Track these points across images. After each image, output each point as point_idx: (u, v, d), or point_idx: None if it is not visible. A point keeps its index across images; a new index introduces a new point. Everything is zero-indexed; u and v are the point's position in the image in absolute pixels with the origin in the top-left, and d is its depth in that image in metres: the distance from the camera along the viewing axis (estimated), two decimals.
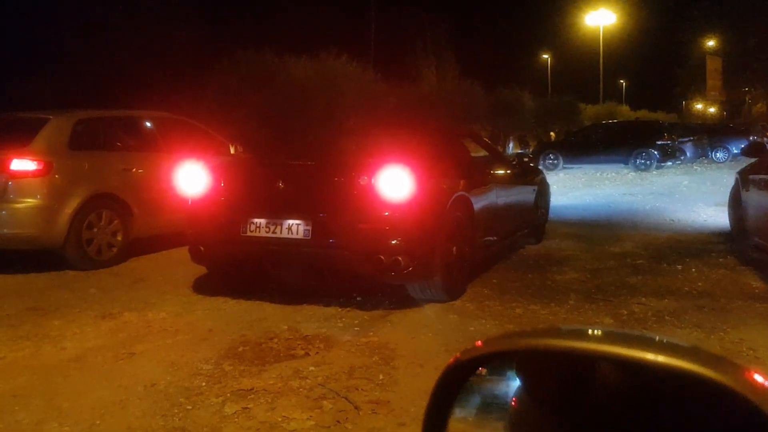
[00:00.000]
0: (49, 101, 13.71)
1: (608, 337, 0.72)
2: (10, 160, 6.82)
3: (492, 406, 0.90)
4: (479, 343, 0.77)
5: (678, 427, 0.70)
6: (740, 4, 39.96)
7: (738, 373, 0.61)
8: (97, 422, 3.41)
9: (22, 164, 6.85)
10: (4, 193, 6.80)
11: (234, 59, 21.48)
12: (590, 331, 0.77)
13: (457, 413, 0.85)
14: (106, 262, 7.27)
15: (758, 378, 0.60)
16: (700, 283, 6.08)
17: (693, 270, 6.58)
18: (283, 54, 22.78)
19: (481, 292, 5.90)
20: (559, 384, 0.82)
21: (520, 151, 27.77)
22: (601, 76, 48.95)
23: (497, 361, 0.83)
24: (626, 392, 0.74)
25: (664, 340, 0.72)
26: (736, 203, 7.92)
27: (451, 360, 0.79)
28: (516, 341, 0.77)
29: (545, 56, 64.41)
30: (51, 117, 7.39)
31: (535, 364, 0.82)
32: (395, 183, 5.14)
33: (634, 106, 55.83)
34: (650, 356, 0.64)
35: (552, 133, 39.57)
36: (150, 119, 8.61)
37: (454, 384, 0.79)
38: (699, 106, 55.99)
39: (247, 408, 3.53)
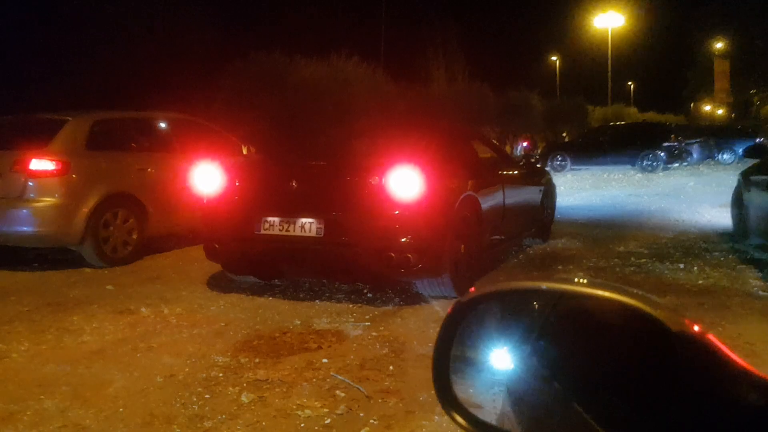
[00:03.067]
0: (65, 103, 13.90)
1: (568, 281, 0.88)
2: (30, 160, 6.99)
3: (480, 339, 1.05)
4: (473, 289, 0.92)
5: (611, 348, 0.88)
6: (748, 7, 39.92)
7: (662, 308, 0.77)
8: (120, 410, 3.56)
9: (41, 164, 7.02)
10: (23, 192, 6.98)
11: (246, 61, 21.62)
12: (558, 279, 0.95)
13: (458, 347, 0.99)
14: (122, 260, 7.44)
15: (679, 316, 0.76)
16: (700, 281, 6.21)
17: (695, 268, 6.71)
18: (294, 55, 22.91)
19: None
20: (532, 315, 1.00)
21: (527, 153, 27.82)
22: (609, 78, 48.99)
23: (486, 302, 0.98)
24: (575, 320, 0.93)
25: (616, 285, 0.87)
26: (738, 203, 8.05)
27: (452, 305, 0.94)
28: (499, 286, 0.93)
29: (554, 58, 64.40)
30: (69, 118, 7.56)
31: (514, 302, 1.00)
32: (405, 183, 5.27)
33: (642, 108, 55.72)
34: (600, 292, 0.80)
35: (564, 134, 39.60)
36: (165, 120, 8.78)
37: (454, 323, 0.94)
38: (707, 108, 55.92)
39: (263, 397, 3.69)
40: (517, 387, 1.05)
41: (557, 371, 0.99)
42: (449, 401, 0.95)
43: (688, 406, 0.71)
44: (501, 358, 1.10)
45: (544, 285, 0.92)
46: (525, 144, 32.32)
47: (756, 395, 0.67)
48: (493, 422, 0.95)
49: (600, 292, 0.81)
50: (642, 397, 0.80)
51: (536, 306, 1.13)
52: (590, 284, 0.83)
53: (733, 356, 0.70)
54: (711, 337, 0.71)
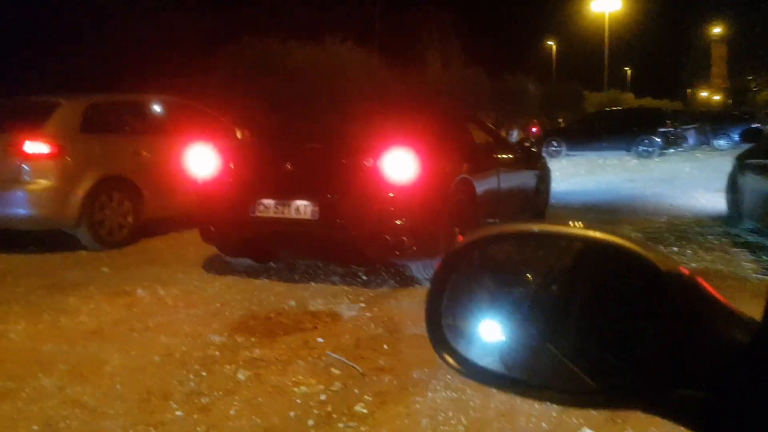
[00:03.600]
0: (57, 86, 13.87)
1: (561, 224, 0.91)
2: (23, 142, 6.99)
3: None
4: (460, 237, 0.94)
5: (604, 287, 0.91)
6: None
7: (654, 249, 0.80)
8: (117, 387, 3.60)
9: (35, 147, 7.02)
10: (18, 174, 6.98)
11: (240, 45, 21.59)
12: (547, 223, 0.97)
13: (449, 317, 1.02)
14: (118, 243, 7.46)
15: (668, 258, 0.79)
16: (694, 264, 6.25)
17: (688, 251, 6.75)
18: (288, 40, 22.87)
19: None
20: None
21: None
22: (605, 64, 48.95)
23: (478, 247, 1.00)
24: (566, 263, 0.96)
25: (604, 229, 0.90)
26: (733, 187, 8.08)
27: (443, 254, 0.97)
28: (489, 230, 0.95)
29: (550, 43, 64.24)
30: (62, 101, 7.56)
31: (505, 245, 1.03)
32: (400, 165, 5.30)
33: (638, 94, 55.72)
34: (593, 234, 0.83)
35: (560, 120, 39.60)
36: (159, 103, 8.77)
37: (445, 273, 0.96)
38: (704, 94, 55.95)
39: (259, 374, 3.73)
40: (509, 356, 1.07)
41: (551, 333, 1.02)
42: (440, 343, 0.97)
43: (678, 347, 0.74)
44: (492, 330, 1.12)
45: (536, 228, 0.95)
46: (534, 129, 32.29)
47: (742, 334, 0.70)
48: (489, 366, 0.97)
49: (593, 234, 0.83)
50: (631, 343, 0.83)
51: (529, 277, 1.15)
52: (584, 227, 0.86)
53: (721, 297, 0.73)
54: (700, 279, 0.74)
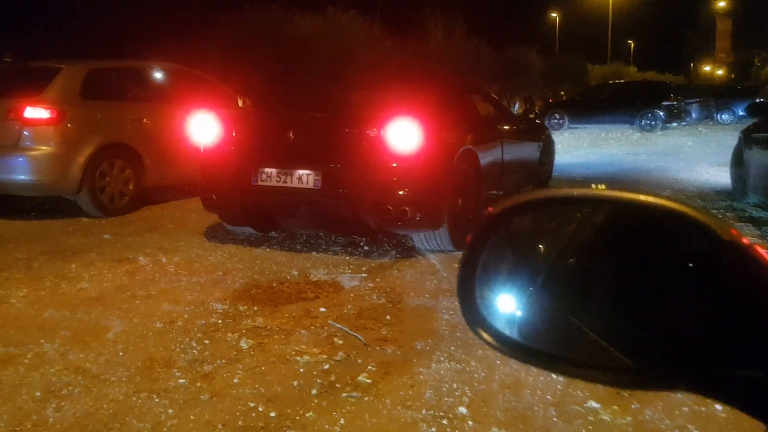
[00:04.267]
0: (58, 51, 13.77)
1: (598, 189, 0.86)
2: (24, 108, 6.94)
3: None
4: (489, 209, 0.90)
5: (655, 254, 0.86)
6: None
7: (710, 214, 0.75)
8: (120, 354, 3.59)
9: (36, 112, 6.97)
10: (18, 140, 6.94)
11: (242, 13, 21.41)
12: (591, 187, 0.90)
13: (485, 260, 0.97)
14: (119, 211, 7.44)
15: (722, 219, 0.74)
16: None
17: None
18: (290, 8, 22.69)
19: None
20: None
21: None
22: (609, 36, 48.64)
23: (520, 212, 0.96)
24: (613, 228, 0.91)
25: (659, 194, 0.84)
26: (738, 162, 8.04)
27: (483, 214, 0.92)
28: (522, 197, 0.90)
29: (554, 15, 63.74)
30: (63, 66, 7.49)
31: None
32: (404, 135, 5.25)
33: (641, 67, 55.49)
34: (642, 198, 0.78)
35: (562, 92, 39.41)
36: (161, 71, 8.70)
37: (477, 244, 0.92)
38: (707, 68, 55.59)
39: (261, 343, 3.72)
40: (525, 329, 1.04)
41: (573, 306, 0.97)
42: (474, 319, 0.93)
43: (737, 324, 0.69)
44: (508, 301, 1.08)
45: (575, 192, 0.89)
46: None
47: None
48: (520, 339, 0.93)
49: (642, 198, 0.78)
50: (679, 319, 0.79)
51: (542, 249, 1.09)
52: (629, 191, 0.81)
53: None
54: (760, 248, 0.69)
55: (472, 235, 0.92)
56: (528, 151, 7.94)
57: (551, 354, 0.89)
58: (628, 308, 0.87)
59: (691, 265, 0.79)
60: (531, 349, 0.91)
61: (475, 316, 0.94)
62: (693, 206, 0.73)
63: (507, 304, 1.09)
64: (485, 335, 0.92)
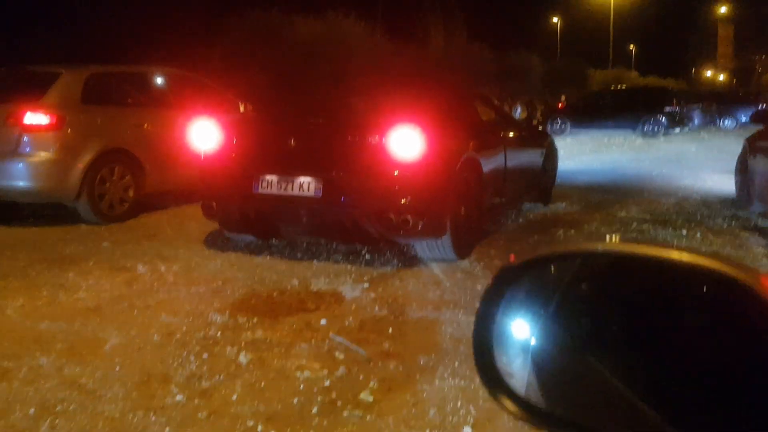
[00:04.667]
0: (59, 56, 13.72)
1: (633, 242, 0.81)
2: (24, 113, 6.87)
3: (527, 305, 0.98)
4: (512, 257, 0.85)
5: (691, 318, 0.79)
6: None
7: (752, 271, 0.68)
8: (117, 368, 3.52)
9: (35, 118, 6.91)
10: (17, 146, 6.88)
11: (242, 17, 21.39)
12: (623, 240, 0.86)
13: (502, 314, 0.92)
14: (118, 217, 7.36)
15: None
16: (704, 248, 6.15)
17: (698, 235, 6.65)
18: (290, 13, 22.68)
19: (488, 252, 5.98)
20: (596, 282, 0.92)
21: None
22: (610, 41, 48.61)
23: (536, 267, 0.91)
24: (648, 290, 0.84)
25: (684, 246, 0.79)
26: (743, 169, 7.97)
27: (496, 271, 0.87)
28: (553, 249, 0.85)
29: (555, 19, 63.70)
30: (63, 71, 7.43)
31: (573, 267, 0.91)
32: (406, 142, 5.18)
33: (643, 72, 55.36)
34: (675, 255, 0.72)
35: (563, 97, 39.37)
36: (161, 75, 8.64)
37: (498, 292, 0.87)
38: (708, 74, 55.59)
39: (261, 357, 3.64)
40: (540, 357, 0.98)
41: (589, 342, 0.91)
42: (495, 384, 0.87)
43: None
44: (522, 327, 1.02)
45: (600, 247, 0.83)
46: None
47: None
48: (542, 405, 0.87)
49: (682, 257, 0.71)
50: (725, 380, 0.72)
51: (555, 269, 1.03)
52: (663, 246, 0.74)
53: None
54: None
55: (488, 287, 0.86)
56: (531, 157, 7.86)
57: (581, 426, 0.82)
58: (662, 361, 0.81)
59: (717, 319, 0.73)
60: (558, 418, 0.85)
61: (495, 379, 0.87)
62: (721, 259, 0.67)
63: (517, 329, 1.02)
64: (508, 404, 0.85)
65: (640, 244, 0.77)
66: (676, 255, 0.71)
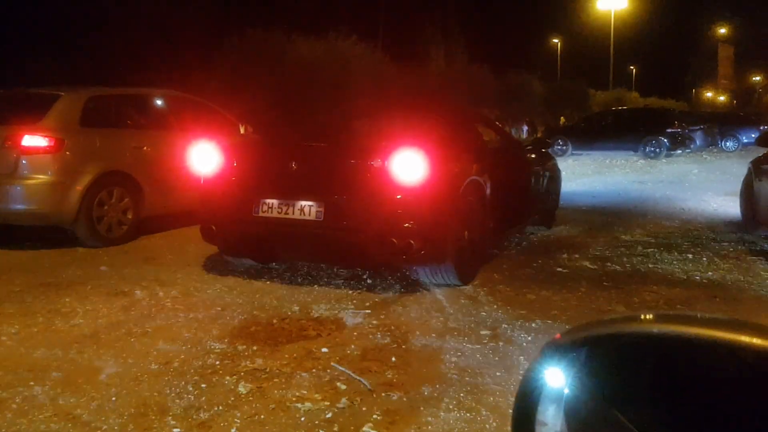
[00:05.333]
0: (58, 78, 13.71)
1: (677, 319, 0.75)
2: (22, 136, 6.83)
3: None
4: (558, 336, 0.78)
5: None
6: None
7: None
8: (113, 399, 3.42)
9: (34, 140, 6.86)
10: (15, 169, 6.82)
11: (243, 38, 21.42)
12: (674, 316, 0.81)
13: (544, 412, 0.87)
14: (117, 240, 7.29)
15: None
16: (710, 273, 6.06)
17: (704, 259, 6.56)
18: (291, 33, 22.72)
19: (492, 277, 5.89)
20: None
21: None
22: (611, 62, 48.66)
23: (578, 349, 0.85)
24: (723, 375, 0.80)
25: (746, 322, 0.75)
26: (748, 193, 7.88)
27: (538, 354, 0.81)
28: (595, 329, 0.79)
29: (555, 40, 63.93)
30: (62, 93, 7.38)
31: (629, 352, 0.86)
32: (408, 166, 5.12)
33: (643, 93, 55.49)
34: (754, 340, 0.67)
35: (562, 118, 39.43)
36: (161, 98, 8.59)
37: (538, 380, 0.80)
38: (709, 94, 55.71)
39: (261, 387, 3.55)
40: (572, 408, 0.91)
41: (620, 398, 0.85)
42: None
43: None
44: (556, 376, 0.95)
45: (655, 329, 0.78)
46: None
47: None
48: None
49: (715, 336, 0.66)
50: None
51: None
52: (730, 327, 0.68)
53: None
54: None
55: (525, 377, 0.80)
56: (535, 180, 7.79)
57: None
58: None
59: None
60: None
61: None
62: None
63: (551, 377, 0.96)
64: None
65: (686, 324, 0.72)
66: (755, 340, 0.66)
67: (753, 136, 21.83)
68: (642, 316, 0.82)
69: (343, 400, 3.39)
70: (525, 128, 30.72)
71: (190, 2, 24.17)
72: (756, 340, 0.67)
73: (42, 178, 6.85)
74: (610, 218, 9.27)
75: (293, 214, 5.39)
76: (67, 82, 9.07)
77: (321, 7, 30.47)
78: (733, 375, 0.78)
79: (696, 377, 0.83)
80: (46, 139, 6.87)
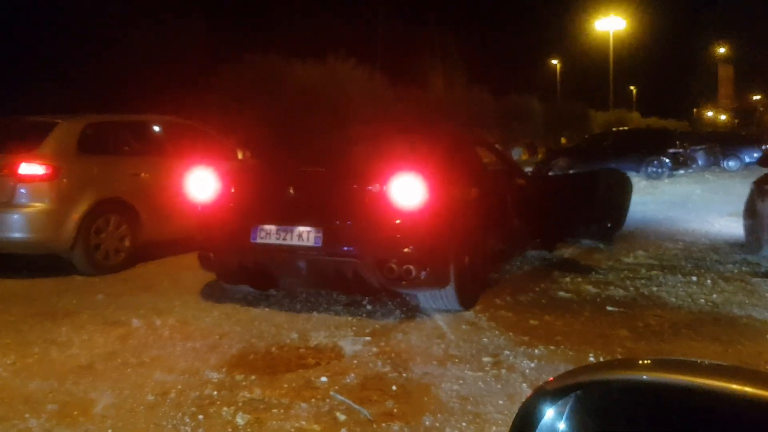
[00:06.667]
0: (56, 105, 13.72)
1: (695, 368, 0.71)
2: (19, 164, 6.79)
3: None
4: (551, 379, 0.74)
5: None
6: (752, 12, 39.95)
7: None
8: (109, 431, 3.35)
9: (31, 168, 6.82)
10: (12, 197, 6.78)
11: (241, 63, 21.49)
12: (672, 362, 0.78)
13: None
14: (114, 268, 7.22)
15: None
16: (715, 296, 5.99)
17: (708, 281, 6.49)
18: (290, 58, 22.81)
19: (494, 301, 5.82)
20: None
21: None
22: (610, 83, 48.82)
23: (571, 392, 0.81)
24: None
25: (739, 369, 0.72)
26: (751, 213, 7.82)
27: (529, 395, 0.77)
28: (585, 375, 0.75)
29: (554, 62, 64.19)
30: (59, 121, 7.35)
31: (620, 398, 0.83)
32: (408, 190, 5.07)
33: (644, 113, 55.65)
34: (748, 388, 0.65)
35: (563, 139, 39.48)
36: (159, 124, 8.56)
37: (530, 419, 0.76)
38: (710, 114, 55.85)
39: (259, 418, 3.48)
40: None
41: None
42: None
43: None
44: (547, 420, 0.90)
45: (667, 379, 0.74)
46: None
47: None
48: None
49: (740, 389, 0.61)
50: None
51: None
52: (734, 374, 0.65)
53: None
54: None
55: (515, 422, 0.76)
56: (536, 203, 7.72)
57: None
58: None
59: None
60: None
61: None
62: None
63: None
64: None
65: (679, 371, 0.69)
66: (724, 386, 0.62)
67: (755, 155, 21.80)
68: (637, 362, 0.80)
69: (343, 430, 3.32)
70: (518, 151, 30.65)
71: (188, 28, 24.31)
72: (750, 389, 0.64)
73: (39, 206, 6.80)
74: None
75: (291, 240, 5.34)
76: (65, 109, 9.04)
77: (319, 31, 30.62)
78: (730, 425, 0.73)
79: (691, 427, 0.79)
80: (43, 166, 6.83)
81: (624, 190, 7.92)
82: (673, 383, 0.77)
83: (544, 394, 0.80)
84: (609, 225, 7.47)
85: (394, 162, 5.49)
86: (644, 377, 0.79)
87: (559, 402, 0.84)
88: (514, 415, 0.81)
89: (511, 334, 4.92)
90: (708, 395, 0.73)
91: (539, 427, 0.82)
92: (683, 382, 0.76)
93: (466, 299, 5.54)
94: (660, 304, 5.74)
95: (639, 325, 5.16)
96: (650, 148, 22.05)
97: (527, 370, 4.16)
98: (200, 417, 3.51)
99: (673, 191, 17.39)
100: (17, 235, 6.82)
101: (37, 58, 21.10)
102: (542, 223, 7.33)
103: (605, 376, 0.81)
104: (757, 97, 47.51)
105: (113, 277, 6.98)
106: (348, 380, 4.03)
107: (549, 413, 0.82)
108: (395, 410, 3.58)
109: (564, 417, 0.84)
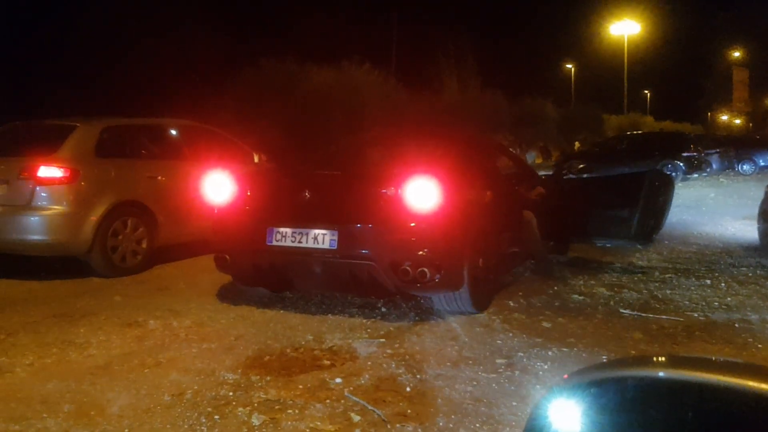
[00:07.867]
0: (74, 109, 13.84)
1: (708, 365, 0.73)
2: (38, 167, 6.86)
3: None
4: (566, 376, 0.76)
5: None
6: (767, 15, 39.68)
7: None
8: (125, 431, 3.40)
9: (49, 171, 6.89)
10: (31, 199, 6.86)
11: (257, 68, 21.57)
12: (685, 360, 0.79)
13: None
14: (131, 270, 7.29)
15: None
16: (729, 298, 5.98)
17: (722, 285, 6.48)
18: (305, 62, 22.85)
19: (507, 304, 5.84)
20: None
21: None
22: (625, 87, 48.63)
23: (586, 391, 0.83)
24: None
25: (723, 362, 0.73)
26: (765, 217, 7.80)
27: (545, 393, 0.79)
28: (602, 372, 0.77)
29: (569, 66, 64.02)
30: (78, 124, 7.43)
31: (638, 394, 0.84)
32: (422, 193, 5.10)
33: (658, 117, 55.42)
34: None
35: (577, 143, 39.34)
36: (175, 127, 8.64)
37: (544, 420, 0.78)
38: (724, 118, 55.49)
39: (274, 419, 3.51)
40: None
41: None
42: None
43: None
44: (562, 416, 0.92)
45: (687, 376, 0.75)
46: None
47: None
48: None
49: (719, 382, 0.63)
50: None
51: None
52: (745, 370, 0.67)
53: None
54: None
55: (530, 419, 0.78)
56: (549, 206, 7.72)
57: None
58: None
59: None
60: None
61: None
62: None
63: None
64: None
65: (694, 368, 0.70)
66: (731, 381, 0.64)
67: None
68: (652, 359, 0.81)
69: (357, 431, 3.34)
70: (532, 155, 30.57)
71: (205, 34, 24.45)
72: (766, 386, 0.65)
73: (57, 208, 6.87)
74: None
75: (307, 242, 5.38)
76: (81, 112, 9.13)
77: (334, 36, 30.72)
78: (746, 422, 0.75)
79: (707, 423, 0.80)
80: (62, 169, 6.91)
81: (667, 191, 7.87)
82: (689, 380, 0.78)
83: (560, 390, 0.82)
84: (652, 225, 7.42)
85: (409, 165, 5.52)
86: (660, 374, 0.81)
87: (575, 398, 0.85)
88: (530, 410, 0.83)
89: (524, 336, 4.93)
90: (724, 392, 0.75)
91: (555, 422, 0.84)
92: (699, 379, 0.77)
93: (480, 301, 5.56)
94: (673, 307, 5.73)
95: (653, 327, 5.16)
96: (664, 151, 21.95)
97: (541, 372, 4.18)
98: (216, 417, 3.55)
99: (687, 195, 17.28)
100: (36, 237, 6.91)
101: (59, 64, 21.27)
102: (556, 226, 7.34)
103: (621, 373, 0.83)
104: None
105: (130, 279, 7.05)
106: (362, 381, 4.06)
107: (565, 409, 0.84)
108: (409, 411, 3.61)
109: (579, 413, 0.86)
